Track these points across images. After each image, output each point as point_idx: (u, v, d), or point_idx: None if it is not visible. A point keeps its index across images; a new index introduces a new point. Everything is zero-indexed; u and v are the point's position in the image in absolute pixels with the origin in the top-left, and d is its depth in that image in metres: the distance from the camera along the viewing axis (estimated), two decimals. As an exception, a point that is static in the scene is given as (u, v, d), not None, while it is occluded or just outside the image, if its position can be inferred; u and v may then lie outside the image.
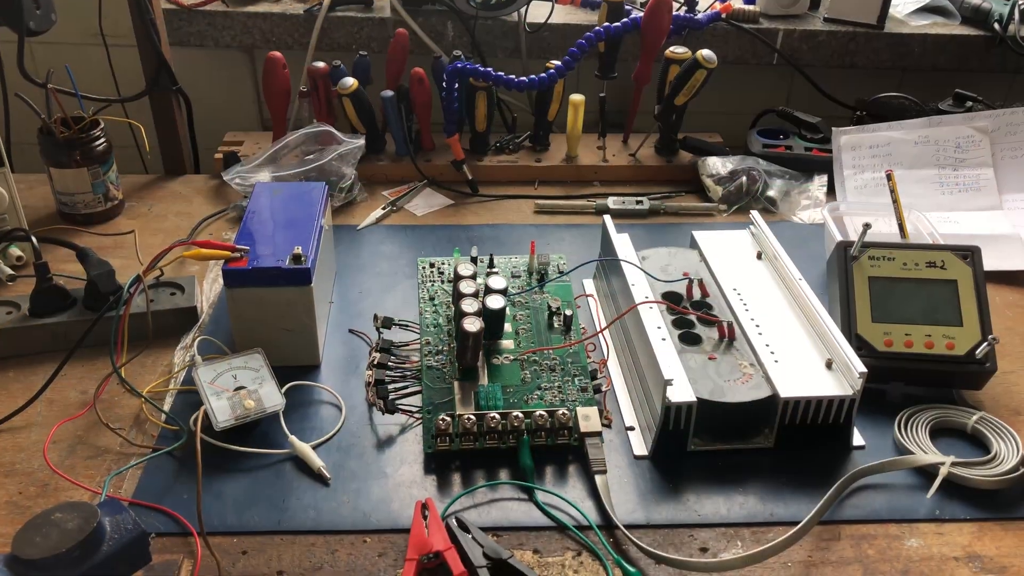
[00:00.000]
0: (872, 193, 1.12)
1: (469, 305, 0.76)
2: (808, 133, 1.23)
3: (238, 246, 0.79)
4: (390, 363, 0.81)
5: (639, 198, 1.13)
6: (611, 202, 1.12)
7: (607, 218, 0.92)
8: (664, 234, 1.08)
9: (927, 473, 0.72)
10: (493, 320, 0.78)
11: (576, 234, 1.07)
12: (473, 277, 0.80)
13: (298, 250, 0.78)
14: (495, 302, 0.77)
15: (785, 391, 0.72)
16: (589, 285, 0.95)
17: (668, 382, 0.69)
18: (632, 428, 0.76)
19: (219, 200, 1.13)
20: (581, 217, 1.12)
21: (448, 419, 0.71)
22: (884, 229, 0.98)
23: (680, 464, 0.73)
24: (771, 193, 1.14)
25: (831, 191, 1.15)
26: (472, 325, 0.74)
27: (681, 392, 0.70)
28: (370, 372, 0.80)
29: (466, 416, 0.71)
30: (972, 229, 1.05)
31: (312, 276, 0.78)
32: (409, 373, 0.80)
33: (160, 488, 0.69)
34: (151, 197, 1.13)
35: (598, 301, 0.91)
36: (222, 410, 0.72)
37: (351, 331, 0.88)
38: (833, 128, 1.17)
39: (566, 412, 0.72)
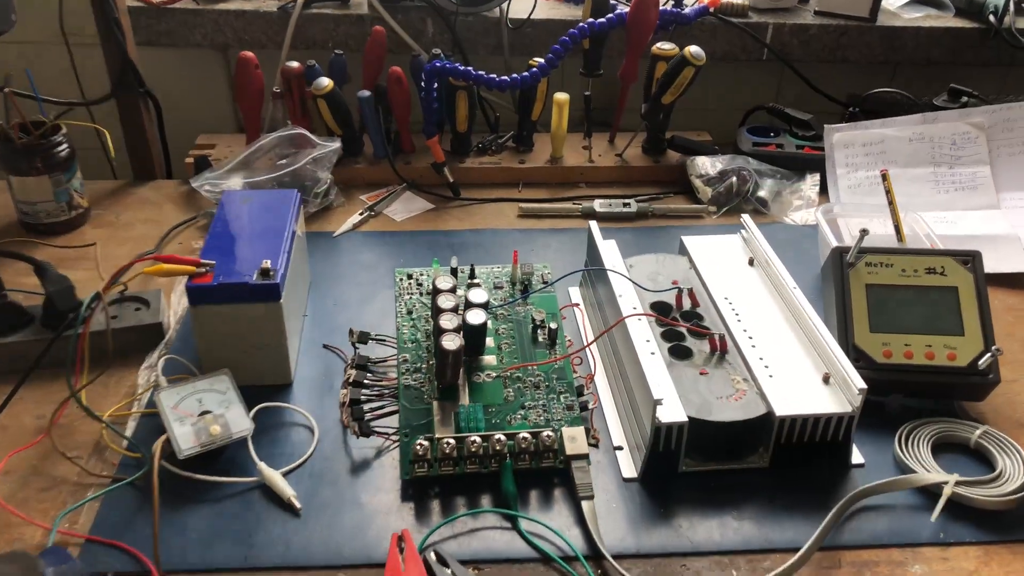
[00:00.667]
0: (866, 193, 1.09)
1: (448, 321, 0.72)
2: (799, 130, 1.19)
3: (203, 260, 0.75)
4: (366, 380, 0.77)
5: (626, 200, 1.09)
6: (597, 205, 1.08)
7: (593, 225, 0.88)
8: (652, 238, 1.04)
9: (930, 492, 0.68)
10: (474, 336, 0.74)
11: (562, 239, 1.03)
12: (453, 291, 0.76)
13: (266, 264, 0.74)
14: (476, 317, 0.73)
15: (781, 409, 0.68)
16: (575, 293, 0.91)
17: (658, 402, 0.65)
18: (620, 448, 0.72)
19: (190, 207, 1.08)
20: (567, 221, 1.08)
21: (426, 443, 0.67)
22: (879, 230, 0.95)
23: (671, 486, 0.69)
24: (762, 193, 1.10)
25: (823, 190, 1.11)
26: (451, 343, 0.70)
27: (671, 411, 0.67)
28: (345, 391, 0.76)
29: (445, 440, 0.67)
30: (969, 229, 1.02)
31: (282, 291, 0.74)
32: (387, 392, 0.76)
33: (120, 522, 0.65)
34: (119, 205, 1.09)
35: (584, 311, 0.87)
36: (185, 437, 0.68)
37: (325, 346, 0.84)
38: (825, 125, 1.13)
39: (551, 434, 0.68)
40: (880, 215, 0.96)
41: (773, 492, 0.69)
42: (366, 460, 0.71)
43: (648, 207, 1.09)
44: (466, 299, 0.76)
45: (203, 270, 0.74)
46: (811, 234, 1.03)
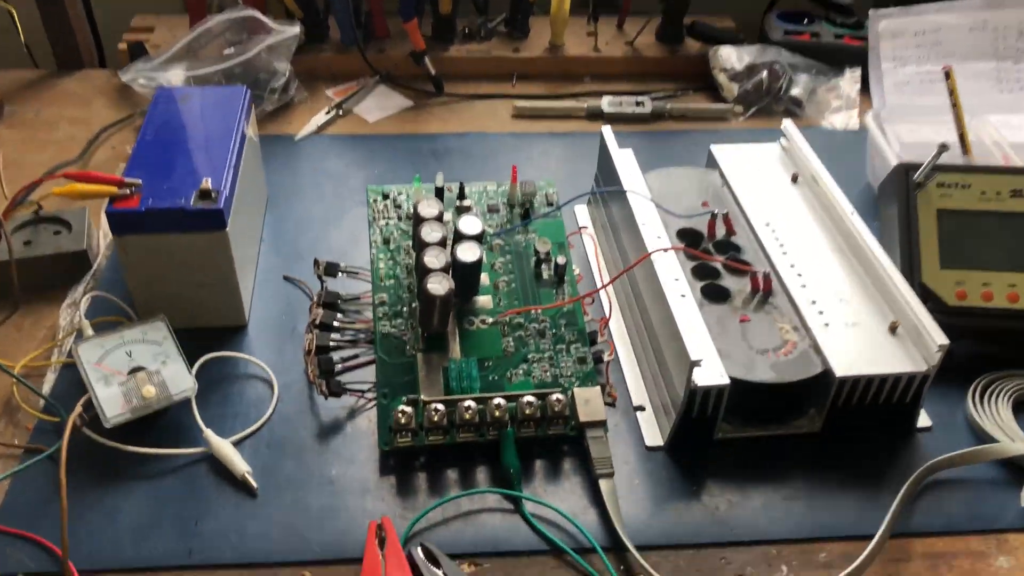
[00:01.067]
0: (915, 92, 0.93)
1: (435, 258, 0.59)
2: (838, 16, 1.03)
3: (127, 179, 0.60)
4: (336, 323, 0.64)
5: (639, 98, 0.94)
6: (606, 103, 0.93)
7: (607, 130, 0.73)
8: (671, 144, 0.89)
9: (1012, 464, 0.58)
10: (466, 275, 0.61)
11: (565, 145, 0.88)
12: (439, 218, 0.62)
13: (207, 183, 0.60)
14: (469, 253, 0.60)
15: (841, 368, 0.56)
16: (583, 213, 0.78)
17: (695, 363, 0.53)
18: (642, 408, 0.61)
19: (126, 103, 0.92)
20: (569, 123, 0.92)
21: (409, 410, 0.55)
22: (931, 137, 0.80)
23: (704, 457, 0.58)
24: (795, 92, 0.95)
25: (865, 88, 0.96)
26: (439, 286, 0.57)
27: (709, 372, 0.54)
28: (310, 336, 0.63)
29: (433, 406, 0.55)
30: (1037, 137, 0.88)
31: (227, 216, 0.60)
32: (361, 336, 0.63)
33: (34, 506, 0.53)
34: (38, 100, 0.92)
35: (595, 237, 0.73)
36: (112, 401, 0.55)
37: (286, 278, 0.70)
38: (870, 11, 0.96)
39: (560, 397, 0.56)
40: (934, 119, 0.82)
41: (826, 463, 0.58)
42: (337, 423, 0.59)
43: (664, 106, 0.93)
44: (456, 229, 0.62)
45: (127, 191, 0.59)
46: (853, 141, 0.89)
